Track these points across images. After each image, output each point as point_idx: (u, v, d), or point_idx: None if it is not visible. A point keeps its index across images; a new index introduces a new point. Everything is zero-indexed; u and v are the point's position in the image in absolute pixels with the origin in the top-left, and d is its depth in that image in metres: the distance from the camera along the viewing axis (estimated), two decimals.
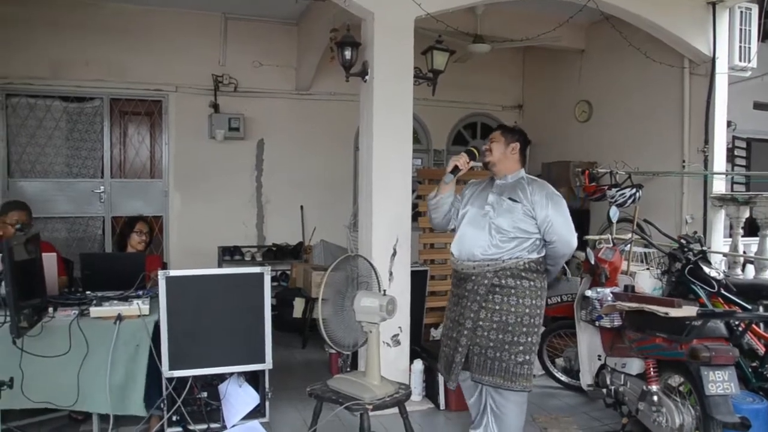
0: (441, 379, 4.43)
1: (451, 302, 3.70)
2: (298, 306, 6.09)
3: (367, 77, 4.54)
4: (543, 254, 3.52)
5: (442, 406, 4.54)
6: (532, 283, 3.46)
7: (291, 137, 7.73)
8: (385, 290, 3.44)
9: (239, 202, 7.61)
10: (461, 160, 3.55)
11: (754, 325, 4.35)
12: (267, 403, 3.75)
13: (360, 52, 4.68)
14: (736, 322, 3.81)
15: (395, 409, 3.38)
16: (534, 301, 3.46)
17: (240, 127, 7.33)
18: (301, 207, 7.72)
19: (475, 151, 3.62)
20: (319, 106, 7.81)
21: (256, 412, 3.73)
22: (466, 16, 6.52)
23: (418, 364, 4.62)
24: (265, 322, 3.59)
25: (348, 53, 4.69)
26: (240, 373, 3.70)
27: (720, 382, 3.18)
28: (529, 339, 3.45)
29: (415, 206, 5.47)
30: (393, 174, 4.48)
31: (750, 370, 4.10)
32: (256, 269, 3.62)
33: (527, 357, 3.43)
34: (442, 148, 8.73)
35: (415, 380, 4.56)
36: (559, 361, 5.01)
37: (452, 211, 3.69)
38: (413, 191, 5.08)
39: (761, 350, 4.18)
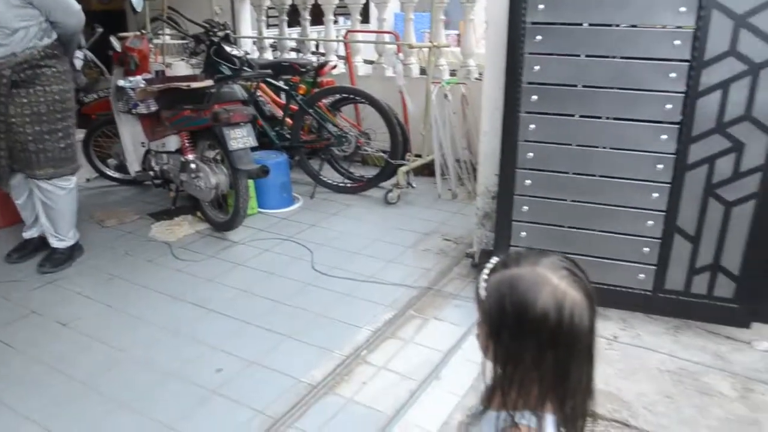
0: None
1: None
2: None
3: None
4: (55, 37, 3.41)
5: None
6: (53, 69, 3.39)
7: None
8: None
9: None
10: None
11: (274, 95, 4.99)
12: None
13: None
14: (254, 92, 4.31)
15: None
16: (61, 86, 3.43)
17: None
18: None
19: None
20: None
21: None
22: None
23: None
24: None
25: None
26: None
27: (240, 138, 3.65)
28: (66, 123, 3.48)
29: None
30: None
31: (274, 133, 4.75)
32: None
33: (69, 141, 3.51)
34: None
35: None
36: (111, 160, 5.06)
37: None
38: None
39: (280, 115, 4.85)
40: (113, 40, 4.24)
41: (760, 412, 2.51)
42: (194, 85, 3.69)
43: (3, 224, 4.25)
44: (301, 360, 2.67)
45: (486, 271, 1.04)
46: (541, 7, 2.71)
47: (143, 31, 4.55)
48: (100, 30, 4.82)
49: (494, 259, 1.05)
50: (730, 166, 2.64)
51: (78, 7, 3.46)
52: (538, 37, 2.75)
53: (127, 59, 4.20)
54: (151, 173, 4.32)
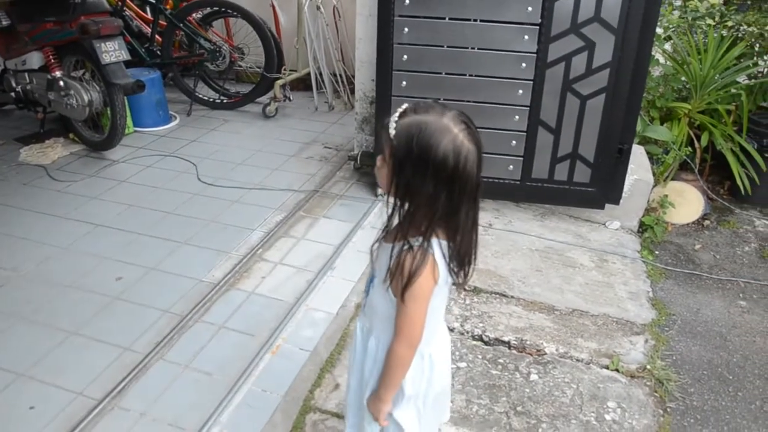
0: None
1: None
2: None
3: None
4: None
5: None
6: None
7: None
8: None
9: None
10: None
11: (140, 10, 4.79)
12: None
13: None
14: (119, 7, 4.14)
15: None
16: None
17: None
18: None
19: None
20: None
21: None
22: None
23: None
24: None
25: None
26: None
27: (112, 51, 3.53)
28: None
29: None
30: None
31: (143, 50, 4.59)
32: None
33: None
34: None
35: None
36: None
37: None
38: None
39: (148, 32, 4.69)
40: None
41: (612, 277, 2.90)
42: None
43: None
44: (200, 263, 2.75)
45: (397, 114, 1.19)
46: None
47: None
48: None
49: (404, 105, 1.20)
50: (584, 63, 2.92)
51: None
52: None
53: None
54: (13, 95, 4.08)
